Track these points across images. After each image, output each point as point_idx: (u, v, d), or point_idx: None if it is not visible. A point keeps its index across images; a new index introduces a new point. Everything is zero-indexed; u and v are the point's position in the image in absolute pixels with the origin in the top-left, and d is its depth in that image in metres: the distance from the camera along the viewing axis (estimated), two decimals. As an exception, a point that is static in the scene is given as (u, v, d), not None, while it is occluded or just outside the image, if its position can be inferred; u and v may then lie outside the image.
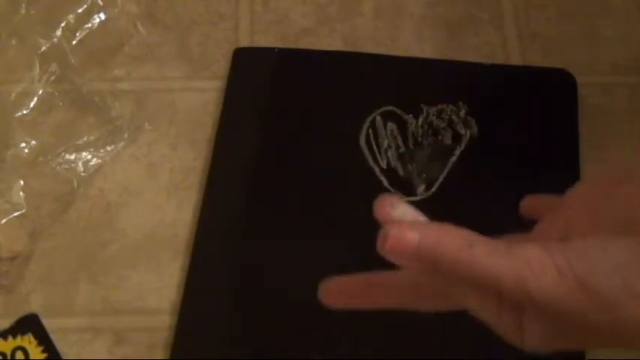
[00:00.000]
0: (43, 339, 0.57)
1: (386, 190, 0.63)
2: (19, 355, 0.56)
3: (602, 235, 0.35)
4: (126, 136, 0.66)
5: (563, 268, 0.32)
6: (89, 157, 0.65)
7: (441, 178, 0.64)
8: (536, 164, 0.65)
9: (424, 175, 0.64)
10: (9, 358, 0.56)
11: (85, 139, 0.65)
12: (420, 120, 0.66)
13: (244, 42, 0.71)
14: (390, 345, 0.58)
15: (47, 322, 0.58)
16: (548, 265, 0.32)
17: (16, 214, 0.61)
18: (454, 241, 0.35)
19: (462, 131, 0.66)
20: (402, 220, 0.37)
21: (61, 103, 0.67)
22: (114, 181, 0.65)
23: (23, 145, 0.64)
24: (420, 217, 0.38)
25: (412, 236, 0.35)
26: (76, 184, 0.64)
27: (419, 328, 0.57)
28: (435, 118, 0.66)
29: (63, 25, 0.68)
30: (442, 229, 0.35)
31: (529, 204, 0.46)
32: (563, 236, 0.37)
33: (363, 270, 0.62)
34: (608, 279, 0.32)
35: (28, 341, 0.57)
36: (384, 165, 0.64)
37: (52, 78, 0.67)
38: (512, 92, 0.68)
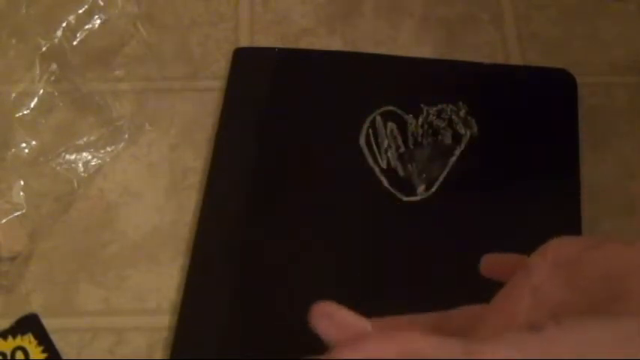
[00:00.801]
0: (43, 339, 0.57)
1: (386, 190, 0.63)
2: (19, 355, 0.56)
3: (577, 315, 0.32)
4: (126, 136, 0.66)
5: None
6: (89, 157, 0.65)
7: (441, 178, 0.64)
8: (536, 164, 0.65)
9: (424, 175, 0.64)
10: (9, 358, 0.56)
11: (85, 139, 0.65)
12: (420, 120, 0.66)
13: (244, 42, 0.71)
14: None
15: (47, 322, 0.58)
16: None
17: (16, 214, 0.61)
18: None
19: (462, 131, 0.66)
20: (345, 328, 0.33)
21: (61, 104, 0.67)
22: (114, 182, 0.65)
23: (23, 145, 0.64)
24: (362, 320, 0.34)
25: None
26: (76, 184, 0.64)
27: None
28: (435, 118, 0.66)
29: (63, 25, 0.68)
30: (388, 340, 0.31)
31: (488, 263, 0.42)
32: (531, 306, 0.35)
33: (362, 269, 0.62)
34: None
35: (28, 341, 0.57)
36: (384, 165, 0.64)
37: (52, 78, 0.67)
38: (512, 92, 0.68)
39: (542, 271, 0.36)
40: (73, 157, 0.64)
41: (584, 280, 0.35)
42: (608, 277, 0.34)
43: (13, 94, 0.66)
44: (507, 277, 0.38)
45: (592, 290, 0.34)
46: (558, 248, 0.37)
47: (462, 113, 0.66)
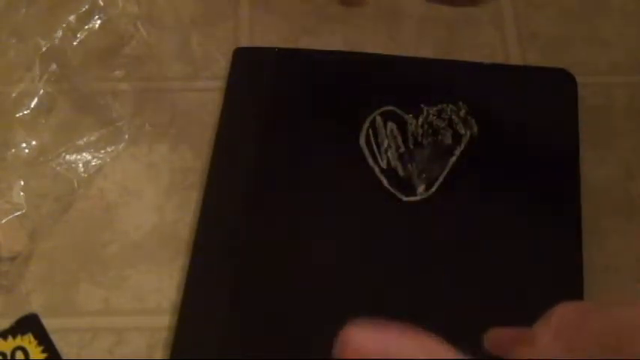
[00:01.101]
0: (43, 339, 0.57)
1: (386, 190, 0.63)
2: (19, 355, 0.56)
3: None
4: (126, 136, 0.66)
5: None
6: (89, 157, 0.65)
7: (441, 178, 0.64)
8: (536, 164, 0.65)
9: (424, 175, 0.64)
10: (9, 358, 0.56)
11: (85, 139, 0.65)
12: (420, 120, 0.66)
13: (244, 42, 0.71)
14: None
15: (47, 322, 0.58)
16: None
17: (16, 214, 0.61)
18: None
19: (462, 131, 0.66)
20: None
21: (61, 104, 0.67)
22: (114, 181, 0.65)
23: (23, 145, 0.64)
24: None
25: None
26: (76, 184, 0.64)
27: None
28: (435, 118, 0.66)
29: (63, 25, 0.68)
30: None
31: (493, 337, 0.43)
32: None
33: (362, 269, 0.62)
34: None
35: (28, 341, 0.57)
36: (384, 165, 0.64)
37: (52, 78, 0.67)
38: (512, 92, 0.68)
39: (546, 338, 0.37)
40: (73, 157, 0.64)
41: (585, 341, 0.35)
42: (610, 334, 0.35)
43: (13, 94, 0.66)
44: (511, 350, 0.39)
45: (594, 349, 0.35)
46: (562, 314, 0.37)
47: (462, 113, 0.66)
